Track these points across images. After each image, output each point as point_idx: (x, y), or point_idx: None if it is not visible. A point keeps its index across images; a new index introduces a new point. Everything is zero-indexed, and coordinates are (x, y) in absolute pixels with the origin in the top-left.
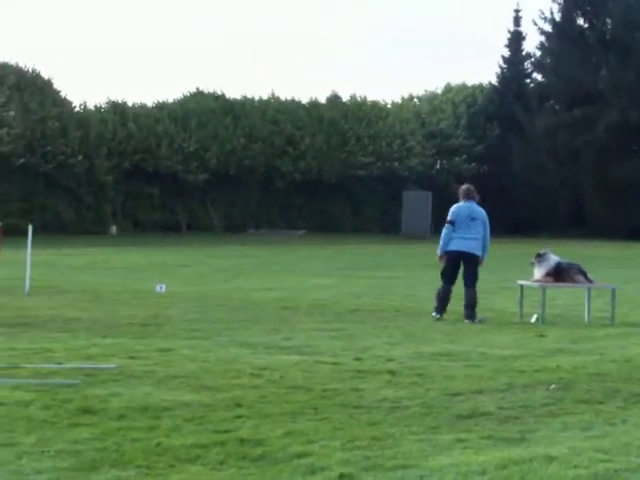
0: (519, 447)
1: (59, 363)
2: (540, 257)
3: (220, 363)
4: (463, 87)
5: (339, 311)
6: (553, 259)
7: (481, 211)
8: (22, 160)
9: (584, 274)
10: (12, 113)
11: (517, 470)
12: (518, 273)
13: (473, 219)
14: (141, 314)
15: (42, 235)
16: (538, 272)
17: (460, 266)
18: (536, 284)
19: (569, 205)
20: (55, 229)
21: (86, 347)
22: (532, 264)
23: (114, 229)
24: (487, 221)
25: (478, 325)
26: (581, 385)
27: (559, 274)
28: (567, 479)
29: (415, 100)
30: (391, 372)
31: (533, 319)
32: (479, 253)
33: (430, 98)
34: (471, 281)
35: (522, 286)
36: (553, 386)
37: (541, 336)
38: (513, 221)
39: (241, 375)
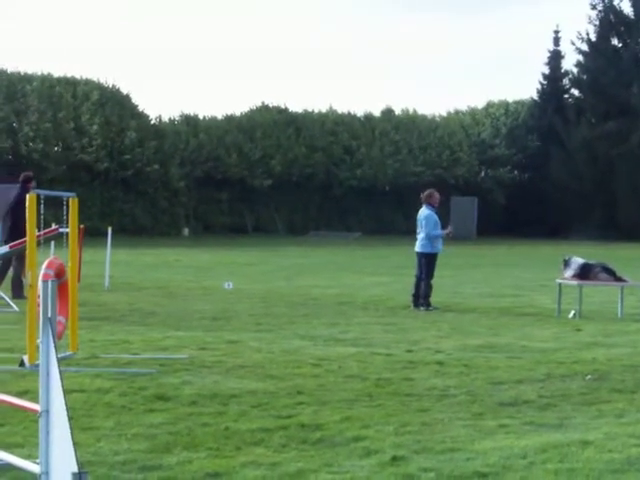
0: (557, 432)
1: (136, 354)
2: (566, 262)
3: (283, 354)
4: (504, 102)
5: (392, 307)
6: (577, 262)
7: (423, 213)
8: (103, 168)
9: (610, 272)
10: (95, 126)
11: (556, 454)
12: (556, 272)
13: (420, 221)
14: (211, 309)
15: (120, 237)
16: (567, 275)
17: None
18: (574, 282)
19: (604, 210)
20: (132, 231)
21: (160, 339)
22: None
23: (186, 231)
24: (426, 221)
25: (513, 320)
26: (615, 376)
27: (585, 274)
28: (602, 462)
29: (461, 114)
30: (440, 363)
31: (570, 315)
32: (426, 250)
33: (473, 112)
34: (424, 275)
35: (560, 284)
36: (589, 376)
37: (578, 330)
38: (551, 224)
39: (302, 365)
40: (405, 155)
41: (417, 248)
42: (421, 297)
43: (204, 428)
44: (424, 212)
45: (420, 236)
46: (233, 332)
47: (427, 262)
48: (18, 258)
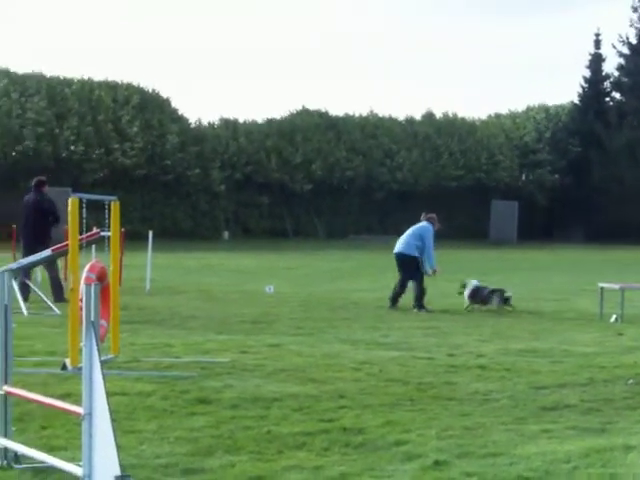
0: (600, 437)
1: (177, 357)
2: (464, 285)
3: (324, 358)
4: (544, 106)
5: (433, 311)
6: (472, 284)
7: (424, 226)
8: (144, 172)
9: (500, 295)
10: (135, 129)
11: (598, 458)
12: (598, 276)
13: (418, 231)
14: (252, 312)
15: (161, 240)
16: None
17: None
18: (616, 286)
19: None
20: (173, 235)
21: (202, 342)
22: None
23: (226, 235)
24: (428, 235)
25: (554, 324)
26: None
27: (474, 295)
28: None
29: (501, 118)
30: (481, 367)
31: (612, 319)
32: (414, 254)
33: (514, 116)
34: (417, 278)
35: (602, 288)
36: (631, 381)
37: (620, 334)
38: (592, 228)
39: (343, 369)
40: (445, 159)
41: (404, 250)
42: (416, 299)
43: (246, 431)
44: (426, 225)
45: (409, 240)
46: (274, 336)
47: (417, 265)
48: (49, 262)
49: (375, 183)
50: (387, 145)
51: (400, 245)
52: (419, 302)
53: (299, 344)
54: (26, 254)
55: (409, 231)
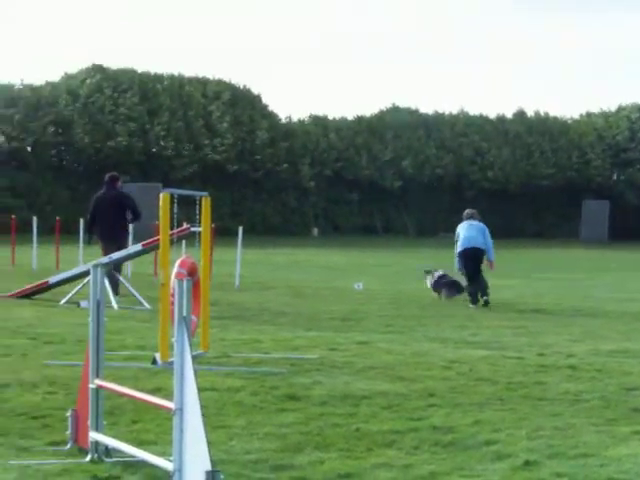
0: None
1: (266, 353)
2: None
3: (413, 356)
4: (637, 105)
5: (522, 310)
6: (437, 273)
7: (480, 224)
8: (234, 167)
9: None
10: (225, 125)
11: None
12: None
13: (481, 228)
14: (341, 309)
15: (250, 236)
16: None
17: None
18: None
19: None
20: (262, 231)
21: (291, 339)
22: None
23: (316, 231)
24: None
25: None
26: None
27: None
28: None
29: (593, 116)
30: (572, 367)
31: None
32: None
33: (606, 115)
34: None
35: None
36: None
37: None
38: None
39: (433, 367)
40: (537, 158)
41: (480, 245)
42: (483, 293)
43: (335, 429)
44: (482, 224)
45: (478, 237)
46: (363, 333)
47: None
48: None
49: (465, 181)
50: (477, 143)
51: (474, 241)
52: (478, 297)
53: (388, 342)
54: (105, 249)
55: (473, 229)
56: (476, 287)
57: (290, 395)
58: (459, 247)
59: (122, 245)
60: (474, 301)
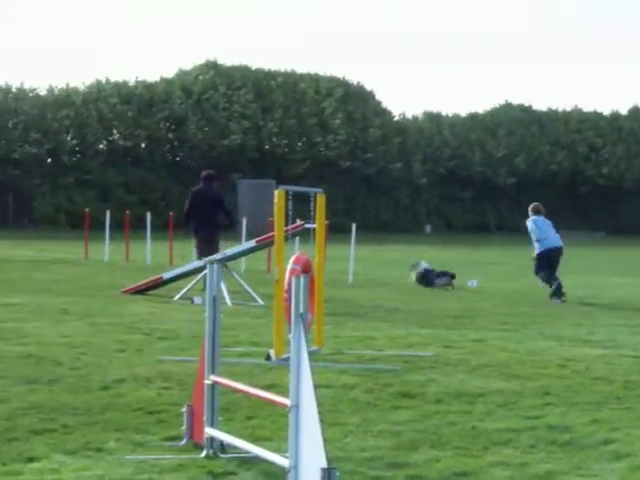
0: None
1: (380, 350)
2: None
3: (528, 354)
4: None
5: (638, 308)
6: (422, 266)
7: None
8: (347, 164)
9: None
10: (338, 122)
11: None
12: None
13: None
14: (454, 307)
15: (363, 233)
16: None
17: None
18: None
19: None
20: (374, 227)
21: (405, 336)
22: None
23: (428, 228)
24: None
25: None
26: None
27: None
28: None
29: None
30: None
31: None
32: None
33: None
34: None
35: None
36: None
37: None
38: None
39: (548, 365)
40: None
41: (560, 242)
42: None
43: (450, 427)
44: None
45: (557, 235)
46: (477, 331)
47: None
48: (209, 250)
49: (580, 177)
50: (592, 139)
51: (558, 240)
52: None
53: (503, 339)
54: (198, 243)
55: (551, 226)
56: (558, 281)
57: (404, 393)
58: (545, 246)
59: (216, 243)
60: (560, 295)
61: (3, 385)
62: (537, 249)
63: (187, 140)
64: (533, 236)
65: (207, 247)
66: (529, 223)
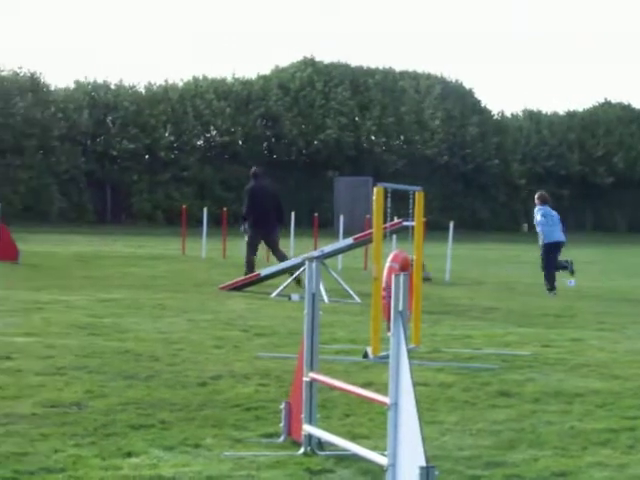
0: None
1: (478, 349)
2: None
3: (627, 354)
4: None
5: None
6: None
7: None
8: (444, 161)
9: None
10: (437, 121)
11: None
12: None
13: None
14: (553, 305)
15: (459, 231)
16: None
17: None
18: None
19: None
20: (471, 225)
21: (502, 335)
22: None
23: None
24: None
25: None
26: None
27: None
28: None
29: None
30: None
31: None
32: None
33: None
34: None
35: None
36: None
37: None
38: None
39: None
40: None
41: (564, 237)
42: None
43: (549, 426)
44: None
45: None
46: (575, 330)
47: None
48: (274, 249)
49: None
50: None
51: (563, 234)
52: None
53: (601, 339)
54: (254, 237)
55: (556, 219)
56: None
57: (502, 392)
58: (552, 238)
59: (274, 238)
60: (553, 287)
61: (101, 380)
62: (545, 239)
63: (283, 136)
64: (540, 227)
65: (260, 241)
66: (538, 214)
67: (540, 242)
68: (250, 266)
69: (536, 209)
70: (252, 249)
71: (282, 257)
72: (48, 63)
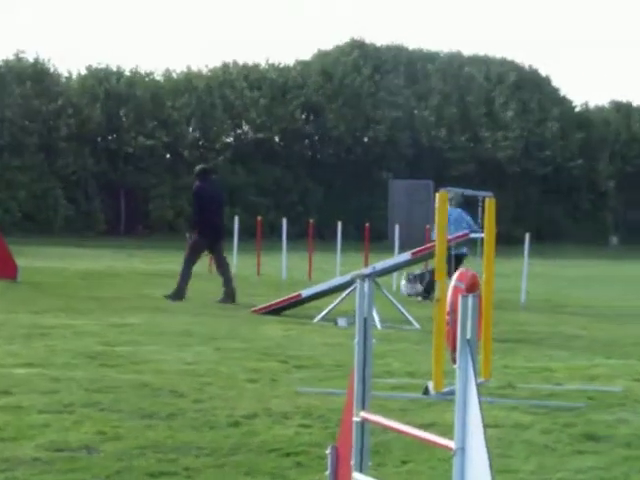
0: None
1: (559, 384)
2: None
3: None
4: None
5: None
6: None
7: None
8: (517, 163)
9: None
10: (510, 114)
11: None
12: None
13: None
14: None
15: (536, 243)
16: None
17: None
18: None
19: None
20: (549, 237)
21: (588, 367)
22: None
23: (615, 240)
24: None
25: None
26: None
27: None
28: None
29: None
30: None
31: None
32: None
33: None
34: None
35: None
36: None
37: None
38: None
39: None
40: None
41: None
42: None
43: None
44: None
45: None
46: None
47: None
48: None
49: None
50: None
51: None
52: None
53: None
54: (207, 247)
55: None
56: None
57: (589, 434)
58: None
59: (221, 246)
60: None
61: (115, 420)
62: None
63: (327, 132)
64: None
65: (215, 256)
66: None
67: None
68: (185, 279)
69: None
70: (194, 258)
71: (225, 271)
72: (56, 49)
